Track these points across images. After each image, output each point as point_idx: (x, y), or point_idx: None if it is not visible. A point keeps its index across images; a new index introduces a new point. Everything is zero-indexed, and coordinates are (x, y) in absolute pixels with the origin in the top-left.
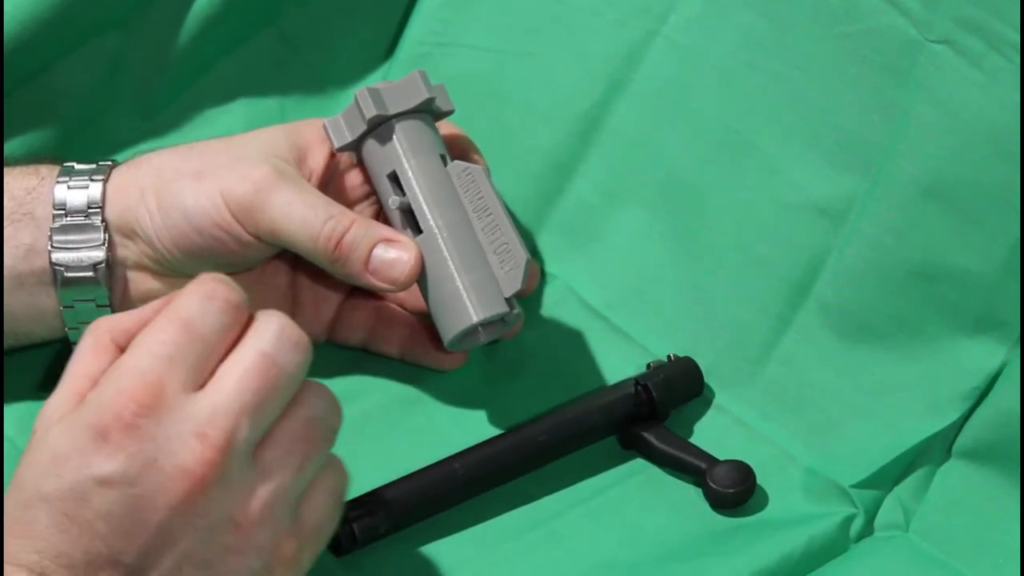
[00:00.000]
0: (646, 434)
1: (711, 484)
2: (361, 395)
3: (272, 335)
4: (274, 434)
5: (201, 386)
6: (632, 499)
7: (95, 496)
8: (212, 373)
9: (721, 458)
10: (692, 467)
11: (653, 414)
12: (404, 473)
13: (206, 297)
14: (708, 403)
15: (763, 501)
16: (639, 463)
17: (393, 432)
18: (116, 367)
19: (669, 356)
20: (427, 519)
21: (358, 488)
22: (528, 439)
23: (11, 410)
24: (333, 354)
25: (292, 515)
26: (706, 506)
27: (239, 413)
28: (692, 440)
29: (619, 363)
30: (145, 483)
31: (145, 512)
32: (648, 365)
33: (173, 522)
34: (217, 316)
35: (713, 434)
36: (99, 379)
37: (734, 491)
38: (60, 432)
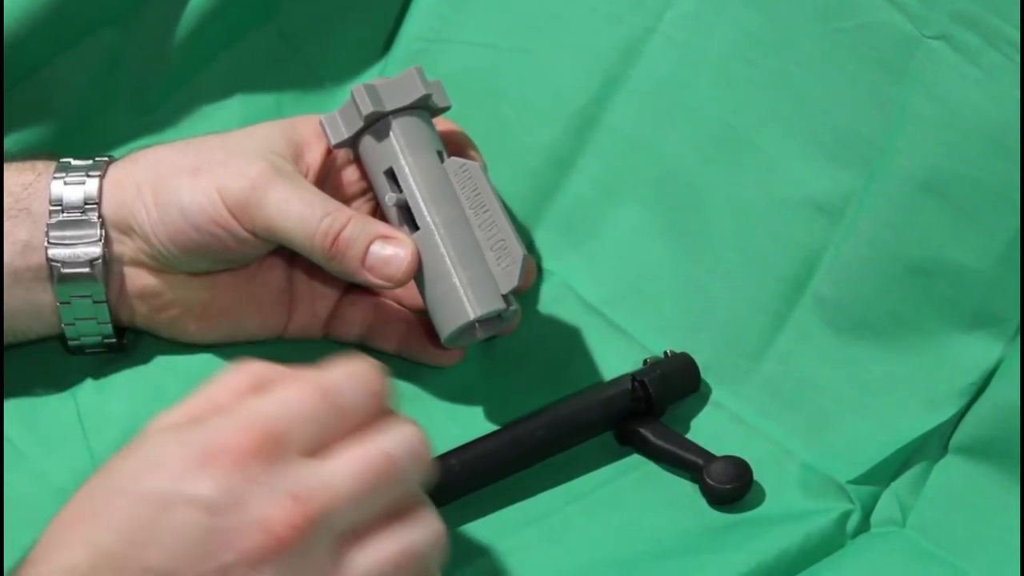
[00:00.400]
0: (643, 430)
1: (708, 480)
2: None
3: (402, 440)
4: (370, 543)
5: (316, 455)
6: (629, 495)
7: (178, 511)
8: (331, 447)
9: (718, 454)
10: (689, 463)
11: (650, 410)
12: None
13: (352, 375)
14: (705, 399)
15: (760, 497)
16: (636, 459)
17: None
18: (247, 404)
19: (666, 352)
20: None
21: None
22: (526, 435)
23: (9, 408)
24: (331, 350)
25: None
26: (703, 502)
27: (342, 495)
28: (689, 436)
29: (616, 359)
30: (228, 520)
31: (216, 547)
32: (645, 361)
33: (237, 569)
34: (356, 395)
35: (710, 430)
36: (222, 409)
37: (731, 487)
38: (168, 441)
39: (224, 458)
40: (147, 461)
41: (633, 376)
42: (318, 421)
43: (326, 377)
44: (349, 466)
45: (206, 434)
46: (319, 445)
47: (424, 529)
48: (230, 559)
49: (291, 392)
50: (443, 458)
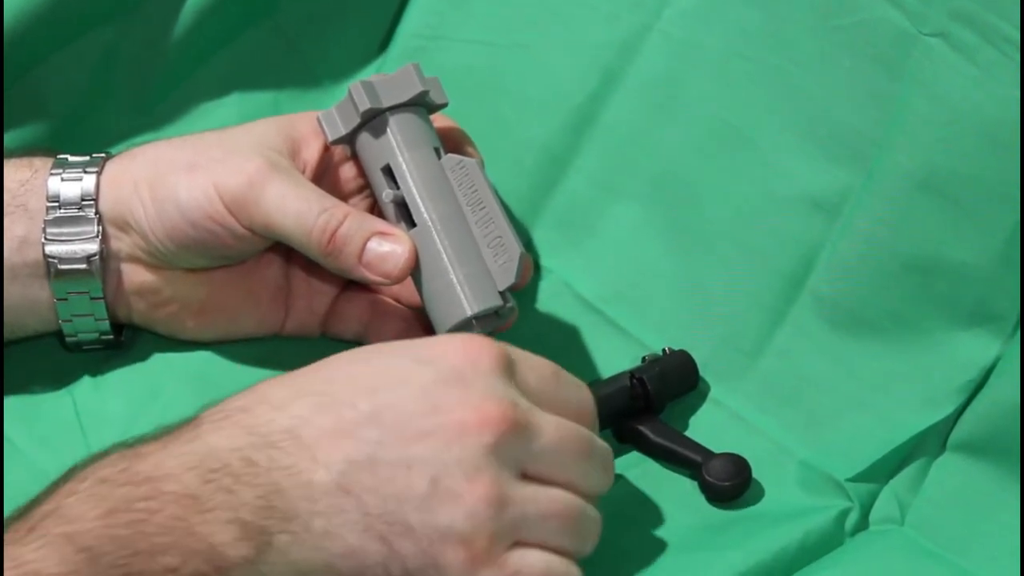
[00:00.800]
0: (642, 427)
1: (707, 477)
2: None
3: (601, 443)
4: (552, 483)
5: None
6: (628, 493)
7: (407, 367)
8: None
9: (717, 451)
10: (688, 460)
11: (649, 407)
12: None
13: (579, 383)
14: (704, 397)
15: (759, 495)
16: (635, 456)
17: None
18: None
19: (664, 349)
20: None
21: None
22: None
23: (6, 405)
24: (328, 347)
25: (509, 539)
26: (702, 500)
27: (549, 433)
28: (688, 434)
29: (614, 356)
30: (451, 390)
31: (430, 405)
32: (643, 358)
33: (440, 433)
34: (575, 391)
35: (709, 428)
36: None
37: (730, 484)
38: (404, 343)
39: (460, 348)
40: (381, 350)
41: (632, 374)
42: (543, 381)
43: (565, 372)
44: (557, 421)
45: (444, 338)
46: (536, 400)
47: (592, 515)
48: (437, 421)
49: (532, 354)
50: None
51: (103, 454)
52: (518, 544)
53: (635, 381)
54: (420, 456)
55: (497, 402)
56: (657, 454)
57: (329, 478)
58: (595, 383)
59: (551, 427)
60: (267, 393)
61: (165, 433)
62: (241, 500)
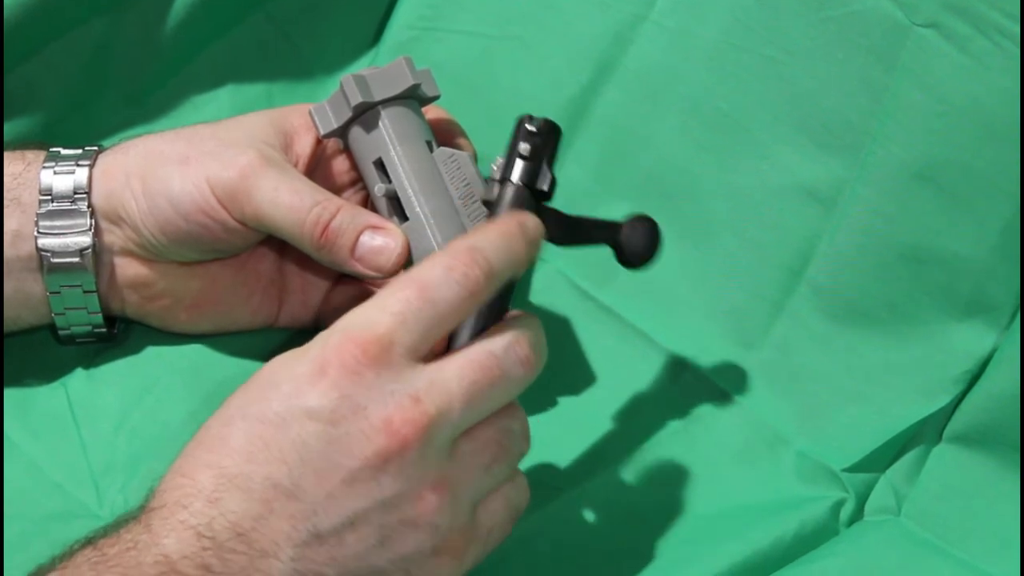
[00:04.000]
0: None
1: (624, 241)
2: None
3: (505, 342)
4: (474, 432)
5: (423, 359)
6: (622, 486)
7: (296, 426)
8: (436, 347)
9: (714, 442)
10: (604, 233)
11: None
12: None
13: (447, 267)
14: (702, 386)
15: (756, 485)
16: (626, 449)
17: None
18: (349, 314)
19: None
20: None
21: None
22: None
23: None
24: None
25: (471, 511)
26: (700, 491)
27: (457, 395)
28: (684, 425)
29: (612, 344)
30: (349, 427)
31: (339, 456)
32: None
33: (363, 474)
34: (454, 287)
35: (707, 416)
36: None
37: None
38: (279, 363)
39: (335, 368)
40: (260, 386)
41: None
42: (419, 319)
43: (422, 271)
44: (457, 368)
45: (313, 350)
46: (424, 343)
47: (515, 417)
48: (355, 465)
49: (389, 294)
50: None
51: (70, 554)
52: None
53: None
54: (356, 507)
55: (400, 416)
56: (573, 240)
57: (285, 568)
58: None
59: (457, 381)
60: (195, 479)
61: (123, 527)
62: None
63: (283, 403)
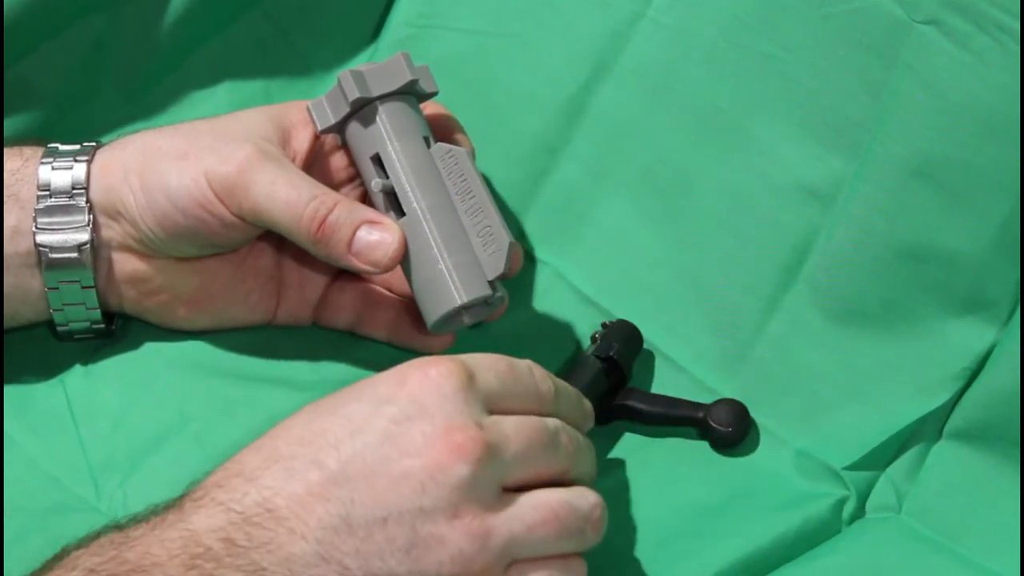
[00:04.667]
0: (630, 402)
1: (713, 424)
2: (352, 378)
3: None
4: (534, 485)
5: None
6: (625, 482)
7: (360, 419)
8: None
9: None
10: (689, 417)
11: (622, 382)
12: None
13: (532, 366)
14: (700, 387)
15: (757, 481)
16: (628, 445)
17: None
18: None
19: (603, 324)
20: None
21: None
22: None
23: None
24: (320, 337)
25: (504, 561)
26: (699, 488)
27: (515, 443)
28: None
29: None
30: (411, 428)
31: (394, 452)
32: (593, 339)
33: (412, 475)
34: (535, 380)
35: None
36: None
37: (735, 428)
38: (366, 380)
39: (415, 379)
40: (342, 393)
41: (596, 356)
42: (502, 380)
43: (512, 359)
44: (517, 422)
45: (399, 367)
46: (497, 404)
47: (583, 494)
48: (406, 464)
49: (482, 354)
50: None
51: (95, 536)
52: (516, 563)
53: (605, 362)
54: (395, 506)
55: (463, 430)
56: (655, 420)
57: (308, 548)
58: (567, 372)
59: (515, 431)
60: (243, 462)
61: (153, 514)
62: None
63: (357, 402)
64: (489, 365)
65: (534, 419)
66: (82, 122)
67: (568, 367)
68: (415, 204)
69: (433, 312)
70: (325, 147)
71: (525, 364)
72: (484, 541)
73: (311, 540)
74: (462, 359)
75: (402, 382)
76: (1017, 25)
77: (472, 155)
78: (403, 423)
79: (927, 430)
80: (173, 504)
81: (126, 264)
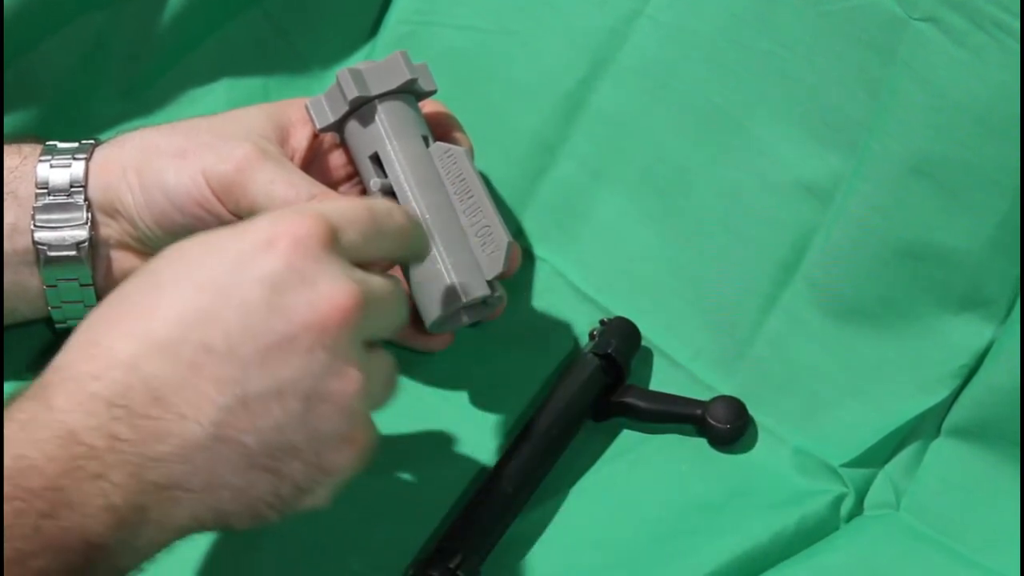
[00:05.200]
0: (626, 400)
1: (711, 421)
2: None
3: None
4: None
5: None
6: (623, 478)
7: (239, 292)
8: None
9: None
10: (687, 414)
11: (620, 380)
12: (397, 451)
13: (393, 211)
14: (698, 383)
15: (755, 479)
16: (629, 442)
17: (384, 411)
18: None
19: (602, 320)
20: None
21: None
22: (544, 437)
23: None
24: None
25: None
26: (697, 485)
27: (382, 297)
28: None
29: None
30: (295, 296)
31: (280, 323)
32: (591, 335)
33: (301, 342)
34: (395, 227)
35: None
36: None
37: (733, 425)
38: (218, 236)
39: (284, 242)
40: (198, 255)
41: (595, 353)
42: (363, 232)
43: (376, 202)
44: (383, 279)
45: (260, 226)
46: (360, 255)
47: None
48: (294, 332)
49: (344, 201)
50: (495, 486)
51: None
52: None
53: (603, 359)
54: (288, 378)
55: (343, 293)
56: (653, 418)
57: (203, 432)
58: (563, 380)
59: (381, 287)
60: (113, 347)
61: (16, 406)
62: (112, 484)
63: (226, 270)
64: (351, 218)
65: (395, 279)
66: (81, 119)
67: (566, 364)
68: (414, 203)
69: (432, 312)
70: (324, 145)
71: (384, 207)
72: (365, 393)
73: (206, 423)
74: (323, 214)
75: (271, 244)
76: (1015, 23)
77: (471, 154)
78: (285, 292)
79: (925, 427)
80: (35, 394)
81: (124, 262)
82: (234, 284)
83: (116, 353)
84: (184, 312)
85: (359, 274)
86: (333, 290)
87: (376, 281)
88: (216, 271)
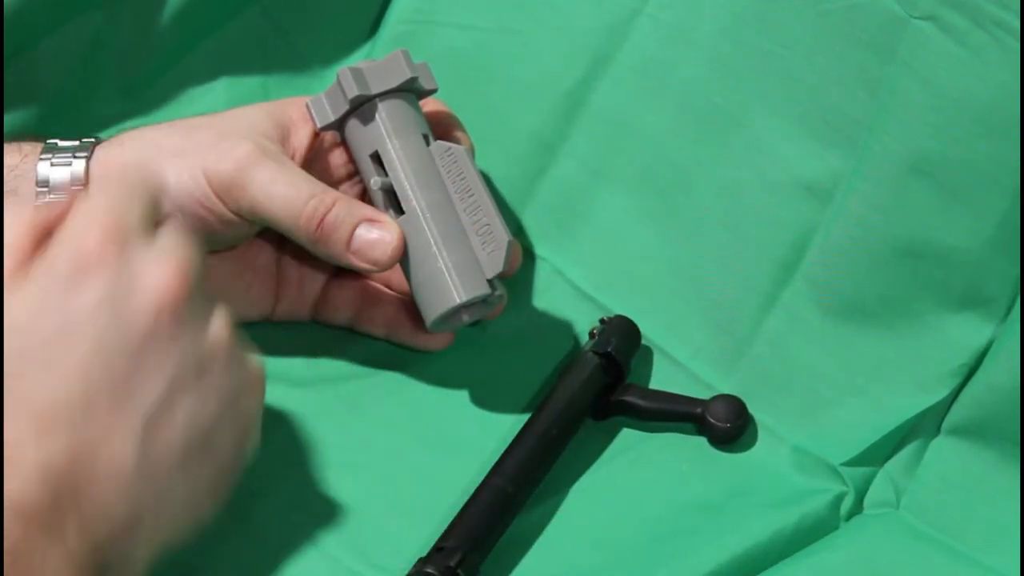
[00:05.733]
0: (627, 398)
1: (711, 420)
2: (351, 375)
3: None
4: None
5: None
6: (623, 477)
7: (86, 328)
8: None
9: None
10: (687, 413)
11: (620, 378)
12: (397, 451)
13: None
14: (697, 382)
15: (754, 478)
16: (628, 441)
17: (383, 410)
18: (72, 221)
19: (602, 319)
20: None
21: (349, 459)
22: (544, 436)
23: None
24: (319, 333)
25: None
26: (697, 484)
27: (183, 238)
28: None
29: None
30: (133, 301)
31: (137, 330)
32: (591, 334)
33: (161, 337)
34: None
35: None
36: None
37: (733, 424)
38: (25, 293)
39: (92, 258)
40: (23, 316)
41: (595, 351)
42: (132, 202)
43: (107, 178)
44: (168, 231)
45: (60, 258)
46: (147, 222)
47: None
48: (149, 326)
49: (94, 193)
50: (493, 485)
51: None
52: None
53: (603, 358)
54: (172, 371)
55: (164, 263)
56: (653, 416)
57: (131, 463)
58: (563, 380)
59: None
60: (14, 428)
61: None
62: (67, 546)
63: (61, 318)
64: (117, 201)
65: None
66: (81, 118)
67: (566, 363)
68: (414, 202)
69: (432, 311)
70: (324, 144)
71: (125, 174)
72: (234, 338)
73: (129, 456)
74: (101, 213)
75: (84, 271)
76: (1015, 22)
77: (471, 153)
78: (123, 301)
79: (925, 426)
80: None
81: None
82: (76, 326)
83: (17, 435)
84: (53, 380)
85: (158, 240)
86: (156, 269)
87: (169, 236)
88: (53, 327)
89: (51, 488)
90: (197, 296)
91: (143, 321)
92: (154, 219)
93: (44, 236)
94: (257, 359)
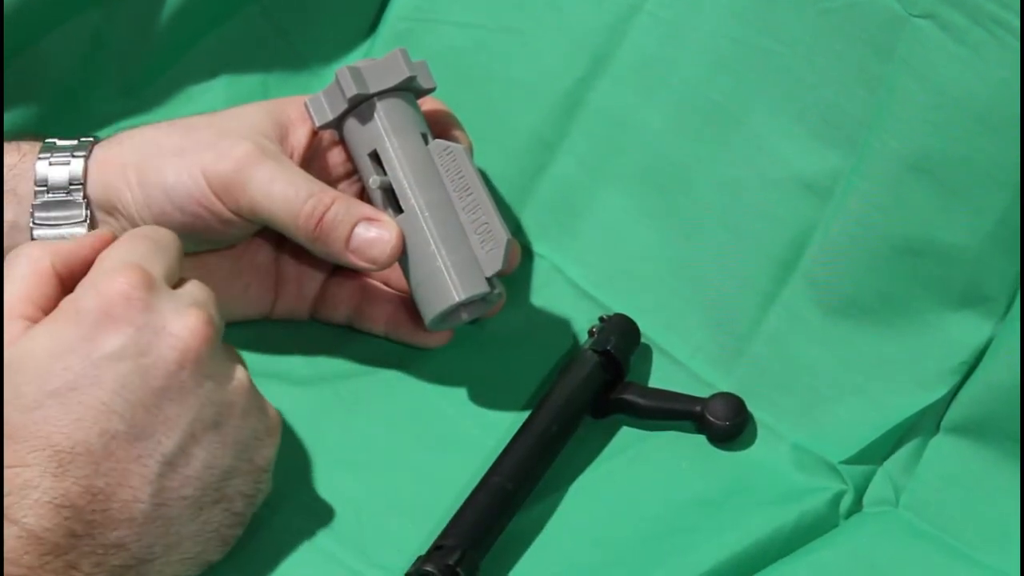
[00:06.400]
0: (626, 396)
1: (710, 418)
2: (350, 373)
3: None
4: None
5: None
6: (622, 475)
7: (110, 374)
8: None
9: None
10: (686, 411)
11: (619, 377)
12: (396, 449)
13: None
14: (697, 381)
15: (754, 476)
16: (628, 439)
17: (382, 408)
18: (99, 267)
19: (601, 318)
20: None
21: (348, 457)
22: (544, 434)
23: None
24: (318, 331)
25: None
26: (696, 482)
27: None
28: None
29: None
30: (157, 350)
31: (159, 379)
32: (590, 332)
33: (184, 383)
34: (166, 236)
35: None
36: (47, 305)
37: (732, 422)
38: (51, 333)
39: (118, 306)
40: (45, 361)
41: (594, 350)
42: (158, 257)
43: (142, 229)
44: (196, 286)
45: (85, 301)
46: (171, 280)
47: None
48: (173, 379)
49: (122, 243)
50: (493, 483)
51: None
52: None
53: (602, 356)
54: (192, 419)
55: (190, 316)
56: (652, 415)
57: (146, 506)
58: (562, 378)
59: (198, 290)
60: (31, 464)
61: None
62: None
63: (84, 362)
64: (143, 251)
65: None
66: (80, 117)
67: (566, 361)
68: (413, 201)
69: (431, 309)
70: (323, 143)
71: (152, 231)
72: (253, 384)
73: (146, 499)
74: (129, 262)
75: (108, 316)
76: (1015, 20)
77: (470, 151)
78: (148, 351)
79: (925, 424)
80: None
81: None
82: (100, 371)
83: (34, 468)
84: (72, 416)
85: (185, 294)
86: (182, 322)
87: (197, 290)
88: (75, 367)
89: (66, 522)
90: (219, 347)
91: (165, 371)
92: (178, 271)
93: (68, 276)
94: (273, 408)
